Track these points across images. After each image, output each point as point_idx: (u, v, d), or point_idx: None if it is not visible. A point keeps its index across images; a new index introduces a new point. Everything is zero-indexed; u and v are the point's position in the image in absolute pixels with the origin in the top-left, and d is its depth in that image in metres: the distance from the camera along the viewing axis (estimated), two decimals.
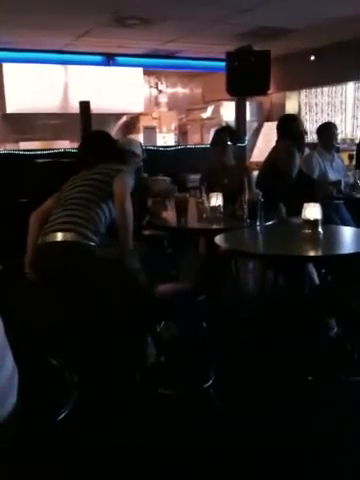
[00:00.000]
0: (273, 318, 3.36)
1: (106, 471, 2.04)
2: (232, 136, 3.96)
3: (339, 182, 4.71)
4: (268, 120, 8.84)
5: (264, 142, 7.82)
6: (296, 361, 2.80)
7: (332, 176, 4.79)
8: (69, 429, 1.48)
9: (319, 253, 2.64)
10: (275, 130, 4.31)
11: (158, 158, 5.74)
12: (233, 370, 2.83)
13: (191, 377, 2.68)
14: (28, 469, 1.15)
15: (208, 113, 9.61)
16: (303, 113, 8.82)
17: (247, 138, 8.01)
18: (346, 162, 5.54)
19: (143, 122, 9.36)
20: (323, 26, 6.34)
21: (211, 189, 3.40)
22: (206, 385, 2.56)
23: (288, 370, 2.76)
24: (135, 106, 9.19)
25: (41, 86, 8.19)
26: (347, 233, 3.17)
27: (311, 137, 7.92)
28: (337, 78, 7.67)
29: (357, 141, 6.82)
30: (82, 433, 2.04)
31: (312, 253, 2.65)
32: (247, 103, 8.20)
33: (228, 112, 8.89)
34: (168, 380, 2.63)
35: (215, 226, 3.17)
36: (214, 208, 3.26)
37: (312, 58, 7.79)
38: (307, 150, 5.49)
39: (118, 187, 2.63)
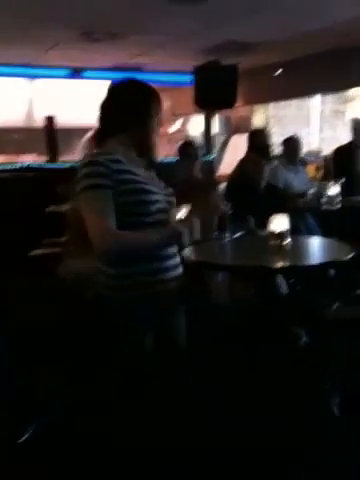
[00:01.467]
0: (243, 328, 3.35)
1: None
2: (198, 150, 3.99)
3: (304, 193, 4.78)
4: (236, 133, 8.93)
5: (232, 155, 7.87)
6: (266, 370, 2.79)
7: (297, 187, 4.85)
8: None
9: (287, 264, 2.65)
10: (243, 143, 4.36)
11: None
12: (201, 379, 2.80)
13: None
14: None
15: (177, 126, 9.65)
16: (271, 126, 8.95)
17: (215, 151, 8.06)
18: (312, 174, 5.64)
19: None
20: (290, 40, 6.47)
21: (179, 203, 3.39)
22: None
23: (257, 379, 2.75)
24: None
25: (5, 100, 8.11)
26: (314, 243, 3.20)
27: (278, 149, 8.04)
28: (304, 91, 7.82)
29: (323, 154, 6.94)
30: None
31: (280, 264, 2.65)
32: (215, 116, 8.26)
33: (196, 125, 8.95)
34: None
35: None
36: (184, 221, 3.24)
37: (279, 72, 7.93)
38: (275, 162, 5.57)
39: None
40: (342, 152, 5.23)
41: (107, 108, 1.96)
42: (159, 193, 1.92)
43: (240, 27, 5.85)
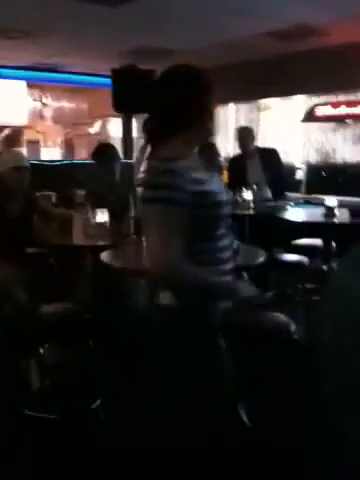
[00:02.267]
0: (161, 335, 3.38)
1: None
2: (116, 153, 3.99)
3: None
4: None
5: None
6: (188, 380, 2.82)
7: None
8: None
9: None
10: None
11: (43, 173, 5.58)
12: (124, 389, 2.79)
13: (78, 399, 2.61)
14: None
15: (96, 128, 9.57)
16: None
17: (134, 154, 8.08)
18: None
19: (27, 136, 9.10)
20: (208, 48, 6.63)
21: (98, 206, 3.38)
22: (94, 406, 2.51)
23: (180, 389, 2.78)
24: (17, 118, 8.91)
25: None
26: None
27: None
28: (222, 99, 8.02)
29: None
30: None
31: None
32: (134, 120, 8.28)
33: (116, 128, 8.92)
34: (53, 404, 2.54)
35: (101, 243, 3.14)
36: (100, 225, 3.24)
37: None
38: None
39: None
40: (234, 162, 5.45)
41: (166, 102, 1.64)
42: (224, 199, 1.71)
43: (159, 34, 5.91)
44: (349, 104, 6.36)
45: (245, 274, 3.79)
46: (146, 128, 1.68)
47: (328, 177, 6.73)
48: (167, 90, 1.65)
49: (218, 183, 1.76)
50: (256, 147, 5.41)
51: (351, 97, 6.47)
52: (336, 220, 3.90)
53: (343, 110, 6.36)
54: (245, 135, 5.54)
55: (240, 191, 5.01)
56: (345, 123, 6.52)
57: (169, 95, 1.64)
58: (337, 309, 0.90)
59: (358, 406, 0.82)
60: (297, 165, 7.24)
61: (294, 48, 6.44)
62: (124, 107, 6.66)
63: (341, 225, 3.88)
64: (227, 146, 8.17)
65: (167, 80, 1.69)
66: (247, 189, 4.87)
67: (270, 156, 5.18)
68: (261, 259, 2.69)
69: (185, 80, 1.67)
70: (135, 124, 8.39)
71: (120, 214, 3.33)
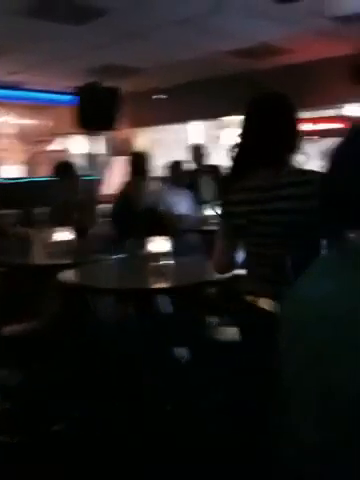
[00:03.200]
0: (126, 351, 3.32)
1: None
2: (77, 170, 3.96)
3: (188, 215, 4.91)
4: (119, 154, 8.96)
5: (115, 176, 7.89)
6: (150, 391, 2.77)
7: (182, 210, 4.97)
8: None
9: (167, 285, 2.68)
10: (126, 164, 4.38)
11: (4, 191, 5.48)
12: (90, 409, 2.71)
13: (40, 421, 2.51)
14: None
15: (58, 146, 9.48)
16: (153, 149, 9.11)
17: (97, 172, 8.02)
18: None
19: None
20: (172, 67, 6.68)
21: (61, 223, 3.31)
22: (56, 428, 2.42)
23: (144, 400, 2.72)
24: None
25: None
26: (193, 263, 3.27)
27: (161, 172, 8.20)
28: (184, 117, 8.08)
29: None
30: None
31: (160, 285, 2.67)
32: (98, 137, 8.25)
33: (78, 145, 8.85)
34: (14, 427, 2.44)
35: (63, 261, 3.07)
36: (63, 243, 3.17)
37: (162, 97, 8.13)
38: (159, 184, 5.67)
39: None
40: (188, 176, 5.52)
41: (280, 124, 1.71)
42: None
43: (122, 51, 5.92)
44: (315, 121, 6.50)
45: (213, 290, 3.78)
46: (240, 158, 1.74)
47: None
48: (277, 117, 1.72)
49: None
50: (208, 165, 5.52)
51: (316, 114, 6.61)
52: None
53: (305, 127, 6.47)
54: (198, 153, 5.63)
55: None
56: (311, 139, 6.64)
57: (280, 122, 1.71)
58: None
59: None
60: None
61: (258, 66, 6.55)
62: (87, 124, 6.64)
63: None
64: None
65: (272, 107, 1.75)
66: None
67: (215, 172, 5.28)
68: (229, 275, 2.67)
69: (290, 104, 1.77)
70: (100, 141, 8.36)
71: (84, 231, 3.28)
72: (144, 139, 9.21)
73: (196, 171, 5.49)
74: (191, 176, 5.53)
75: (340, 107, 6.33)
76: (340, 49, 5.67)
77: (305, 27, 4.95)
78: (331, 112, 6.45)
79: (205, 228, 4.83)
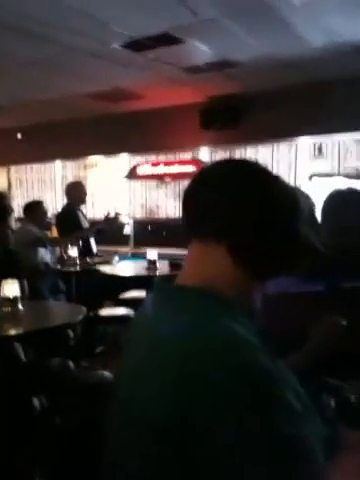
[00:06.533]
0: None
1: None
2: None
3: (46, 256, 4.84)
4: None
5: None
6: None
7: (44, 251, 4.87)
8: None
9: (20, 331, 2.61)
10: None
11: None
12: None
13: None
14: None
15: None
16: (14, 188, 8.86)
17: None
18: (56, 235, 5.76)
19: None
20: (24, 107, 6.62)
21: None
22: None
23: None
24: None
25: None
26: (48, 307, 3.24)
27: (21, 212, 7.98)
28: (44, 156, 8.00)
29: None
30: None
31: (13, 331, 2.60)
32: None
33: None
34: None
35: None
36: None
37: (18, 136, 7.99)
38: (18, 224, 5.52)
39: None
40: (63, 216, 5.52)
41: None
42: None
43: None
44: (167, 163, 6.80)
45: (70, 332, 3.73)
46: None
47: (153, 231, 7.04)
48: None
49: None
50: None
51: (169, 157, 6.94)
52: (158, 272, 4.09)
53: (162, 169, 6.77)
54: (75, 189, 5.61)
55: (66, 247, 5.00)
56: (165, 181, 6.95)
57: None
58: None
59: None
60: (125, 220, 7.45)
61: (115, 109, 6.75)
62: None
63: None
64: (54, 202, 8.12)
65: None
66: (72, 245, 4.88)
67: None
68: (82, 316, 2.68)
69: None
70: None
71: None
72: (4, 178, 8.95)
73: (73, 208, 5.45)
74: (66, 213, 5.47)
75: (195, 151, 6.71)
76: (191, 96, 6.07)
77: (158, 75, 5.23)
78: (186, 156, 6.81)
79: (66, 269, 4.80)
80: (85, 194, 5.61)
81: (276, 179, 0.96)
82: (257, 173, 0.95)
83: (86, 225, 5.54)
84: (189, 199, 0.98)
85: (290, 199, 0.95)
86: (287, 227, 0.94)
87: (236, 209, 0.90)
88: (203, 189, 0.95)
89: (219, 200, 0.91)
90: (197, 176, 0.99)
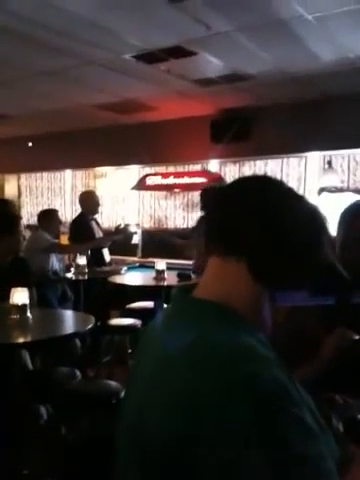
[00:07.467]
0: None
1: None
2: None
3: (57, 264, 4.87)
4: None
5: None
6: (9, 454, 2.64)
7: (55, 259, 4.89)
8: None
9: (29, 339, 2.62)
10: None
11: None
12: None
13: None
14: None
15: None
16: (23, 196, 8.93)
17: None
18: (66, 242, 5.78)
19: None
20: (36, 116, 6.69)
21: None
22: None
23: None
24: None
25: None
26: (57, 315, 3.24)
27: (32, 220, 8.03)
28: (54, 165, 8.07)
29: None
30: None
31: (21, 339, 2.61)
32: None
33: None
34: None
35: None
36: None
37: (29, 144, 8.07)
38: (27, 232, 5.55)
39: None
40: (77, 225, 5.54)
41: None
42: None
43: None
44: (176, 175, 6.82)
45: (78, 342, 3.74)
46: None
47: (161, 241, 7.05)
48: None
49: None
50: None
51: (179, 168, 6.97)
52: (165, 283, 4.09)
53: (171, 180, 6.79)
54: (88, 199, 5.64)
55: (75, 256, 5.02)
56: (174, 192, 6.97)
57: None
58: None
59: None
60: (133, 230, 7.47)
61: (125, 120, 6.80)
62: None
63: (169, 287, 4.08)
64: (63, 210, 8.17)
65: None
66: (81, 254, 4.89)
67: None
68: (90, 325, 2.68)
69: None
70: None
71: None
72: (14, 185, 9.02)
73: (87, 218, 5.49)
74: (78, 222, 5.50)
75: (205, 163, 6.74)
76: (202, 109, 6.10)
77: (169, 87, 5.27)
78: (196, 167, 6.83)
79: (75, 278, 4.81)
80: (98, 204, 5.64)
81: (301, 199, 0.96)
82: (283, 192, 0.95)
83: (100, 234, 5.56)
84: (213, 215, 0.98)
85: (315, 219, 0.96)
86: (311, 248, 0.93)
87: (261, 228, 0.90)
88: (228, 206, 0.95)
89: (245, 218, 0.91)
90: (222, 191, 0.99)
